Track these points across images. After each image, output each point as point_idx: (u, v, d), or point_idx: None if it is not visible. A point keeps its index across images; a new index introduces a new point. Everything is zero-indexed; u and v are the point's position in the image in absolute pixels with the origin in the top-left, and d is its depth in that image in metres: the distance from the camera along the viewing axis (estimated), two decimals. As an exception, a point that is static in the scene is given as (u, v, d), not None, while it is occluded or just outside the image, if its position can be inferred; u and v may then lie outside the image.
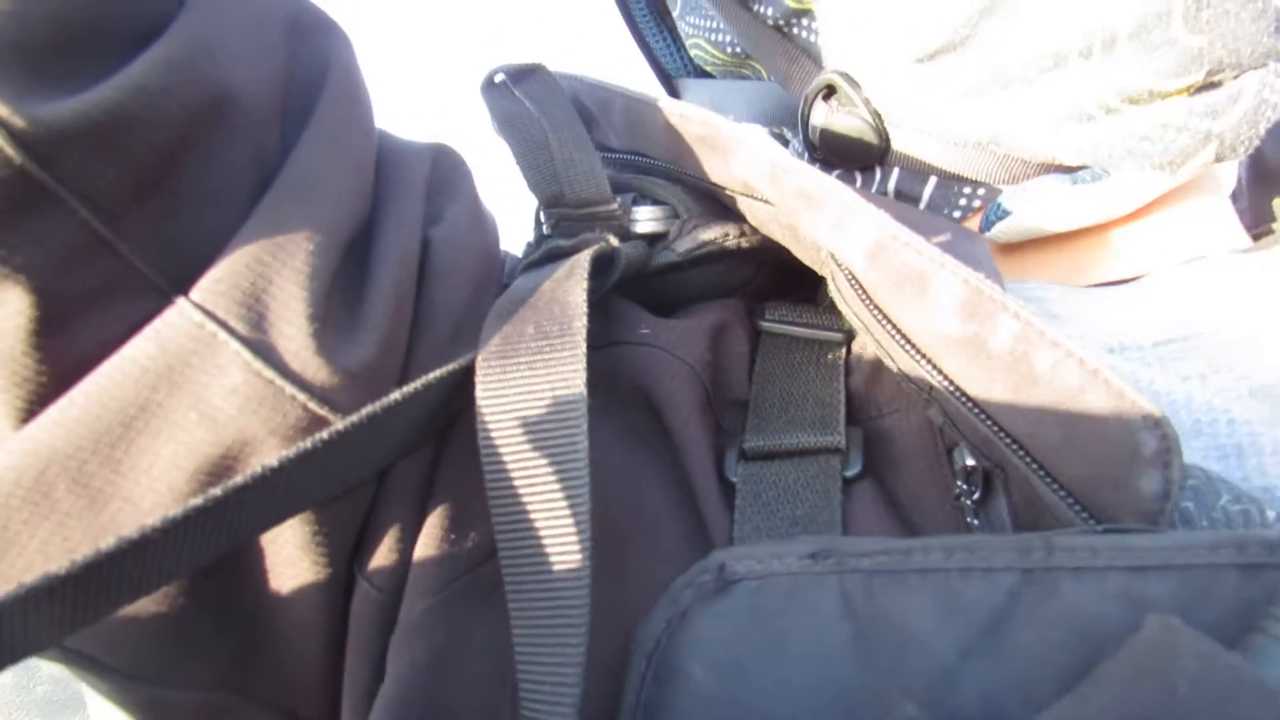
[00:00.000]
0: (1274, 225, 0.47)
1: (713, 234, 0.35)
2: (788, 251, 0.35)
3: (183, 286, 0.25)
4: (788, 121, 0.42)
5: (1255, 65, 0.32)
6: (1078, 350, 0.23)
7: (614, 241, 0.33)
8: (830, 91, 0.38)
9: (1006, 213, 0.36)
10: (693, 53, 0.46)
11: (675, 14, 0.45)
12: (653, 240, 0.36)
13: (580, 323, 0.27)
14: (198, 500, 0.22)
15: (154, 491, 0.25)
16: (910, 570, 0.22)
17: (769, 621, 0.23)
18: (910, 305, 0.27)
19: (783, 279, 0.35)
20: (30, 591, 0.19)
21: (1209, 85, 0.33)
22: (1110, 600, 0.19)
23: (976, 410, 0.26)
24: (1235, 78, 0.33)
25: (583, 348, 0.26)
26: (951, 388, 0.27)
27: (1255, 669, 0.16)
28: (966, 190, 0.37)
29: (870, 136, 0.38)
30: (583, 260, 0.30)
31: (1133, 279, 0.36)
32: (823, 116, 0.39)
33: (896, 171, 0.38)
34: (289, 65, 0.29)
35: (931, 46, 0.34)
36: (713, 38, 0.43)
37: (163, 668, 0.28)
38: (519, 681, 0.24)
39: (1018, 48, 0.32)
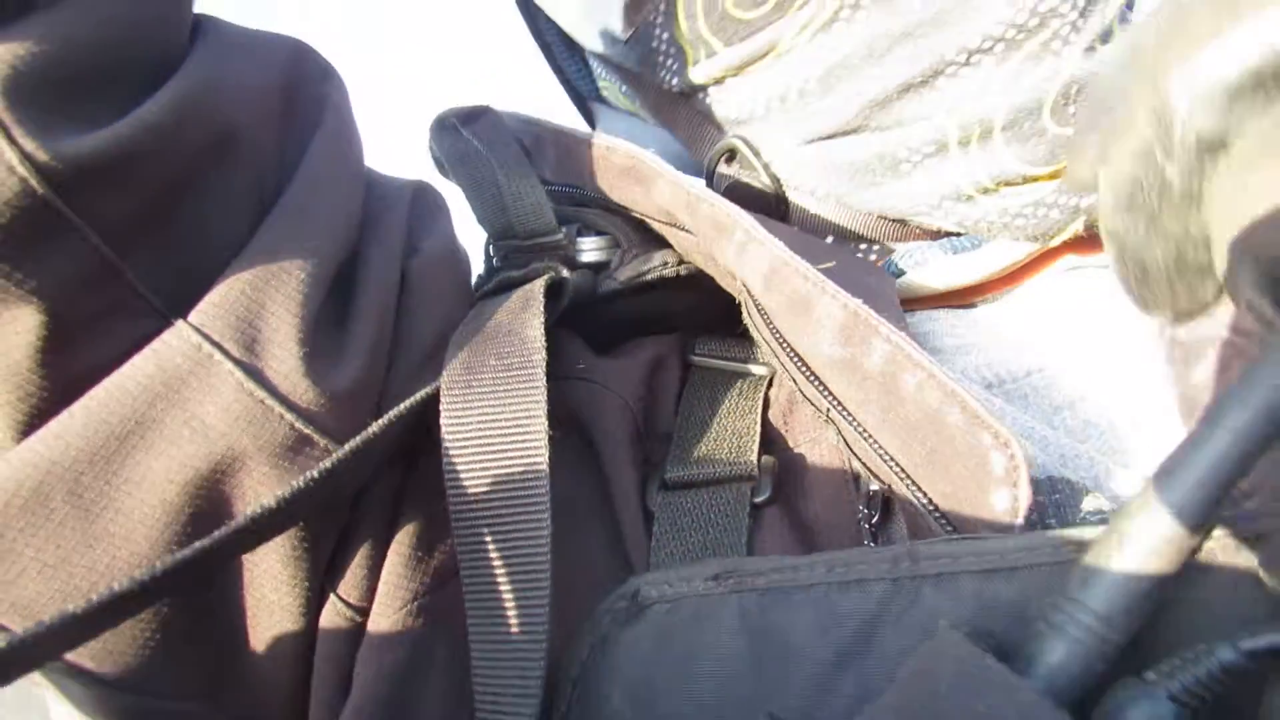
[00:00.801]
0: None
1: (653, 262, 0.37)
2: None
3: (182, 309, 0.27)
4: (697, 170, 0.44)
5: None
6: (939, 373, 0.25)
7: (563, 270, 0.35)
8: (733, 155, 0.40)
9: (902, 271, 0.39)
10: (602, 91, 0.47)
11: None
12: (597, 269, 0.38)
13: (540, 356, 0.29)
14: (205, 541, 0.24)
15: (145, 504, 0.26)
16: (797, 586, 0.24)
17: (678, 642, 0.24)
18: (801, 328, 0.29)
19: (725, 305, 0.37)
20: (49, 628, 0.21)
21: None
22: (964, 604, 0.21)
23: (860, 429, 0.28)
24: None
25: (543, 380, 0.28)
26: (839, 407, 0.29)
27: (1003, 669, 0.18)
28: (863, 247, 0.40)
29: (769, 197, 0.40)
30: (537, 291, 0.32)
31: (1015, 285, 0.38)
32: (727, 178, 0.41)
33: (797, 228, 0.41)
34: (288, 107, 0.31)
35: (823, 134, 0.36)
36: (621, 86, 0.45)
37: (145, 676, 0.30)
38: (475, 701, 0.25)
39: (904, 137, 0.35)
